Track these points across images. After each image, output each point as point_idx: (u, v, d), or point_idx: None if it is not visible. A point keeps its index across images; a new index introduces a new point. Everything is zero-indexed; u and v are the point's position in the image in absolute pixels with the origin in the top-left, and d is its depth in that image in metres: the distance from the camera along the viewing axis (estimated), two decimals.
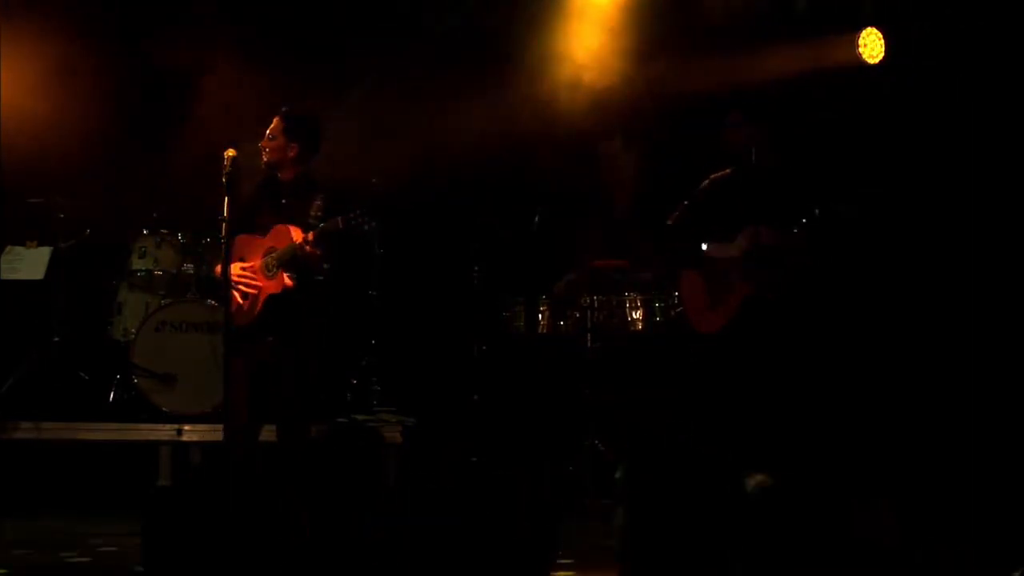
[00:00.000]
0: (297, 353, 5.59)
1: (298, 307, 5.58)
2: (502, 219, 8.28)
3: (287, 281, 5.54)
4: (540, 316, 7.85)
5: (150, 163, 8.23)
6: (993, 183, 7.35)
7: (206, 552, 5.21)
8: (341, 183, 6.07)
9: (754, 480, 5.79)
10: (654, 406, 7.29)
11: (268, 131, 5.75)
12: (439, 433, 7.57)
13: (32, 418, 7.15)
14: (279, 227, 5.61)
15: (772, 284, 5.97)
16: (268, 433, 5.67)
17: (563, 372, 7.80)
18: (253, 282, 5.61)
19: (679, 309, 7.06)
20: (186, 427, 7.16)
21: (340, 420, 7.39)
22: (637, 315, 7.66)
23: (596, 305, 7.68)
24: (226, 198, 5.32)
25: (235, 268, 5.56)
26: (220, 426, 5.49)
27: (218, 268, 5.61)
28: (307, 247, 5.45)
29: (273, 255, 5.57)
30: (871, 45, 7.78)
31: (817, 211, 5.90)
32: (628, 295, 7.67)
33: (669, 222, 6.31)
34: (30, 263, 7.78)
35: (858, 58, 7.78)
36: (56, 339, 7.73)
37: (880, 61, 7.78)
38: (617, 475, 5.43)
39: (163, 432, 7.16)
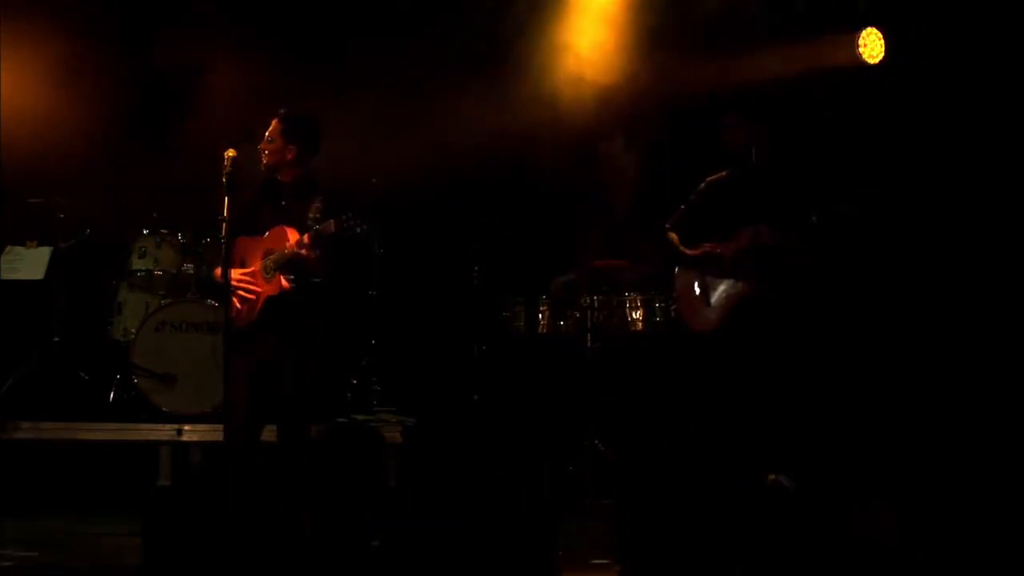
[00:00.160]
0: (295, 353, 5.59)
1: (295, 308, 5.58)
2: (502, 219, 8.28)
3: (284, 283, 5.54)
4: (540, 316, 7.85)
5: (150, 163, 8.23)
6: (993, 183, 7.36)
7: (206, 552, 5.22)
8: (341, 183, 6.07)
9: (773, 478, 5.81)
10: (654, 406, 7.29)
11: (266, 133, 5.74)
12: (439, 433, 7.57)
13: (32, 418, 7.15)
14: (277, 229, 5.62)
15: (772, 284, 5.97)
16: (268, 433, 5.67)
17: (563, 372, 7.80)
18: (251, 286, 5.61)
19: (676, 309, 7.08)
20: (186, 427, 7.16)
21: (340, 420, 7.39)
22: (637, 315, 7.65)
23: (596, 305, 7.68)
24: (226, 198, 5.33)
25: (234, 274, 5.55)
26: (220, 426, 5.49)
27: (218, 271, 5.62)
28: (303, 250, 5.45)
29: (271, 258, 5.58)
30: (871, 45, 7.78)
31: (817, 211, 5.90)
32: (628, 295, 7.67)
33: (667, 224, 6.33)
34: (30, 263, 7.79)
35: (858, 58, 7.77)
36: (56, 339, 7.73)
37: (880, 61, 7.78)
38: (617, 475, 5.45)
39: (163, 432, 7.15)
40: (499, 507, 5.70)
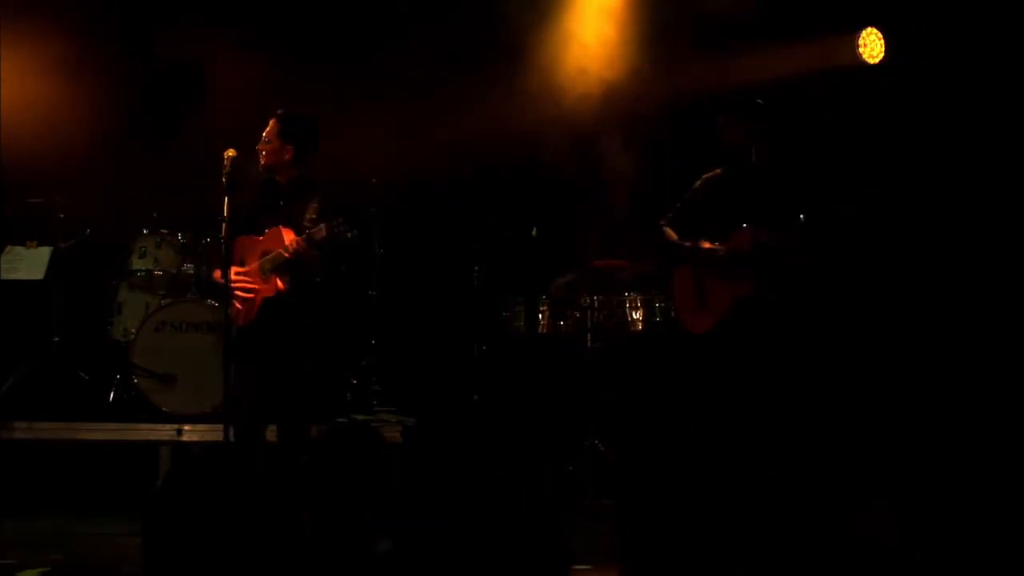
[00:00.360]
0: (292, 353, 5.59)
1: (291, 309, 5.59)
2: (502, 219, 8.28)
3: (279, 284, 5.55)
4: (540, 316, 7.84)
5: (150, 163, 8.23)
6: (992, 183, 7.36)
7: (206, 552, 5.21)
8: (341, 183, 6.07)
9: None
10: (654, 406, 7.29)
11: (264, 134, 5.74)
12: (439, 433, 7.57)
13: (32, 418, 7.15)
14: (274, 230, 5.62)
15: (772, 284, 5.96)
16: (268, 433, 5.67)
17: (563, 372, 7.80)
18: (249, 286, 5.61)
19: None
20: (186, 427, 7.16)
21: (340, 420, 7.39)
22: (637, 315, 7.65)
23: (596, 305, 7.68)
24: (226, 198, 5.33)
25: (233, 274, 5.55)
26: (220, 426, 5.49)
27: (217, 272, 5.61)
28: (293, 254, 5.46)
29: (266, 259, 5.59)
30: (871, 45, 7.79)
31: (806, 211, 5.90)
32: (628, 295, 7.67)
33: (662, 222, 6.32)
34: (30, 263, 7.78)
35: (858, 58, 7.78)
36: (56, 339, 7.73)
37: (880, 61, 7.78)
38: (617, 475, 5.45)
39: (163, 432, 7.16)
40: (499, 507, 5.69)
